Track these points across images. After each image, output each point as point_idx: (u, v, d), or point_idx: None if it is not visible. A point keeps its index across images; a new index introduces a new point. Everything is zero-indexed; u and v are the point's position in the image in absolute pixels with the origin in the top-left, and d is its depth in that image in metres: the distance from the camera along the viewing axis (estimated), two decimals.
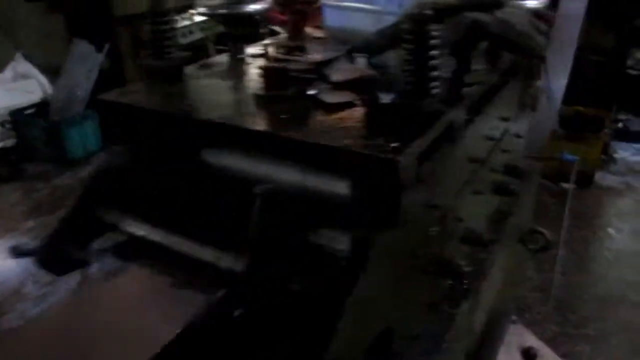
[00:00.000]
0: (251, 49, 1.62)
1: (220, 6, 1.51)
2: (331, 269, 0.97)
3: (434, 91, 1.04)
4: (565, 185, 5.04)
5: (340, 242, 1.00)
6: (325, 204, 1.01)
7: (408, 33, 1.00)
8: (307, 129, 1.05)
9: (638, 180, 4.93)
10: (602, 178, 5.00)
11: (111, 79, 5.00)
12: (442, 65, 1.08)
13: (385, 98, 1.09)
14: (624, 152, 5.29)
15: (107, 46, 5.17)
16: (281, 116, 1.10)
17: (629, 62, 5.27)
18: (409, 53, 1.01)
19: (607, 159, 5.13)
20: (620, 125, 5.43)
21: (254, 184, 1.07)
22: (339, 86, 1.25)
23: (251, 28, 1.61)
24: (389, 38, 1.12)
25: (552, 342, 3.52)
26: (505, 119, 1.55)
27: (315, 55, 1.45)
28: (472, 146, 1.33)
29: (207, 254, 1.05)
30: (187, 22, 5.70)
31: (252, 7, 1.52)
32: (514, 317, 1.78)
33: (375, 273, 1.00)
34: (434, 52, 1.01)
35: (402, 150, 0.95)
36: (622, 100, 5.26)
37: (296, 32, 1.73)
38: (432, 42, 1.01)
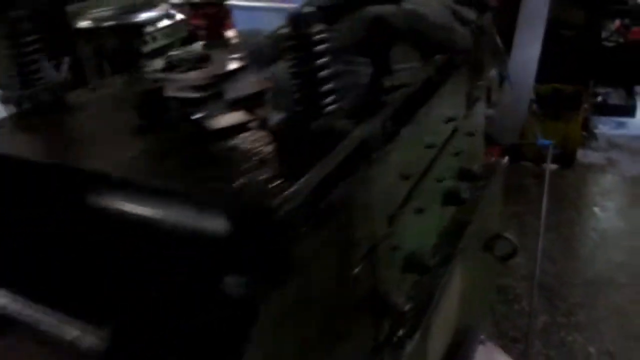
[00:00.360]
0: (156, 63, 1.38)
1: (108, 17, 1.28)
2: (211, 340, 0.75)
3: (330, 107, 0.81)
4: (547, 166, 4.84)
5: (226, 305, 0.78)
6: (206, 261, 0.79)
7: (288, 39, 0.78)
8: (172, 169, 0.82)
9: (620, 155, 4.72)
10: (584, 155, 4.78)
11: None
12: (342, 73, 0.86)
13: (276, 119, 0.87)
14: (605, 127, 5.07)
15: (67, 60, 4.91)
16: (150, 152, 0.88)
17: (604, 34, 5.04)
18: (293, 63, 0.79)
19: (587, 136, 4.91)
20: (599, 99, 5.20)
21: (120, 238, 0.85)
22: (235, 105, 1.02)
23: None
24: (275, 45, 0.90)
25: (543, 333, 3.33)
26: (451, 119, 1.32)
27: (220, 65, 1.22)
28: (404, 160, 1.10)
29: (68, 330, 0.83)
30: (150, 29, 5.42)
31: (146, 16, 1.29)
32: (482, 337, 1.57)
33: (273, 339, 0.78)
34: (324, 60, 0.79)
35: (282, 191, 0.72)
36: (599, 74, 5.04)
37: (212, 38, 1.50)
38: (320, 47, 0.78)
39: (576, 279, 3.72)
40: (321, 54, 0.79)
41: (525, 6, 4.34)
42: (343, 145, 0.85)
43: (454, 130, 1.41)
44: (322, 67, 0.79)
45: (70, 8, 3.84)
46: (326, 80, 0.80)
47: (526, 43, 4.38)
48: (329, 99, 0.81)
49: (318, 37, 0.78)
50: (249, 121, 0.92)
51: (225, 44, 1.55)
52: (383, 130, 0.99)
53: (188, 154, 0.88)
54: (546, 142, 3.08)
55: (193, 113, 0.99)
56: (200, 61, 1.25)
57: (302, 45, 0.77)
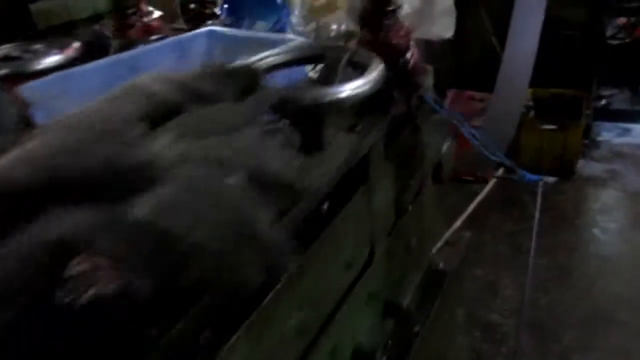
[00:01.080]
0: None
1: None
2: None
3: None
4: (545, 178, 4.32)
5: None
6: None
7: None
8: None
9: (624, 166, 4.15)
10: (585, 166, 4.22)
11: None
12: None
13: None
14: (608, 134, 4.49)
15: None
16: None
17: (609, 32, 4.43)
18: None
19: (589, 144, 4.34)
20: (603, 102, 4.60)
21: None
22: None
23: None
24: None
25: None
26: (348, 266, 0.85)
27: None
28: None
29: None
30: None
31: None
32: None
33: None
34: None
35: None
36: (603, 75, 4.44)
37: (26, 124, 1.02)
38: None
39: (572, 314, 3.22)
40: None
41: (520, 3, 3.77)
42: None
43: (366, 266, 0.92)
44: None
45: (36, 7, 3.22)
46: None
47: (521, 44, 3.83)
48: None
49: None
50: None
51: None
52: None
53: None
54: (534, 177, 2.55)
55: None
56: None
57: None
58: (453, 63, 4.52)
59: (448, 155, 1.22)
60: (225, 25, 1.20)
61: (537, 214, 3.04)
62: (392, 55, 0.89)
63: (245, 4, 1.19)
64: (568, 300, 3.29)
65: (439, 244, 3.73)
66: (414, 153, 1.02)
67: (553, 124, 4.13)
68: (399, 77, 0.89)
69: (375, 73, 0.77)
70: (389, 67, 0.82)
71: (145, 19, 1.27)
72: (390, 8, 0.92)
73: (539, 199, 2.80)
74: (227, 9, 1.23)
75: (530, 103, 4.29)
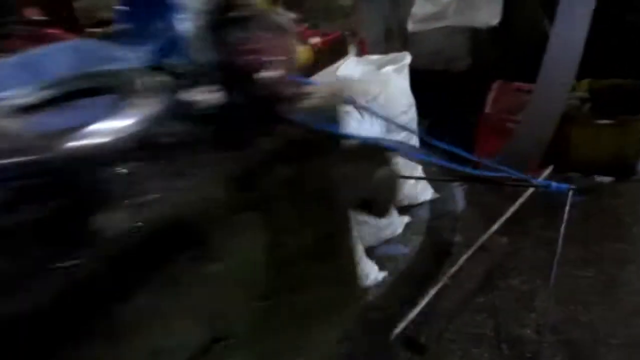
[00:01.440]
0: None
1: None
2: None
3: None
4: (599, 178, 3.89)
5: None
6: None
7: None
8: None
9: None
10: None
11: None
12: None
13: None
14: None
15: None
16: None
17: None
18: None
19: None
20: None
21: None
22: None
23: None
24: None
25: None
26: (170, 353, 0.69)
27: None
28: None
29: None
30: None
31: None
32: None
33: None
34: None
35: None
36: None
37: None
38: None
39: (616, 335, 2.84)
40: None
41: None
42: None
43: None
44: None
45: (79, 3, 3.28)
46: None
47: (567, 31, 3.43)
48: None
49: None
50: None
51: None
52: None
53: None
54: (562, 185, 2.22)
55: None
56: None
57: None
58: (499, 52, 4.17)
59: (388, 183, 1.00)
60: (124, 32, 1.04)
61: (563, 223, 2.69)
62: (240, 75, 0.70)
63: (142, 6, 1.01)
64: (614, 319, 2.92)
65: (471, 251, 3.42)
66: (304, 194, 0.83)
67: (610, 119, 3.69)
68: (251, 103, 0.71)
69: (134, 115, 0.60)
70: (236, 90, 0.65)
71: (31, 28, 1.14)
72: (236, 15, 0.71)
73: (562, 228, 2.46)
74: (128, 12, 1.05)
75: (586, 95, 3.87)
